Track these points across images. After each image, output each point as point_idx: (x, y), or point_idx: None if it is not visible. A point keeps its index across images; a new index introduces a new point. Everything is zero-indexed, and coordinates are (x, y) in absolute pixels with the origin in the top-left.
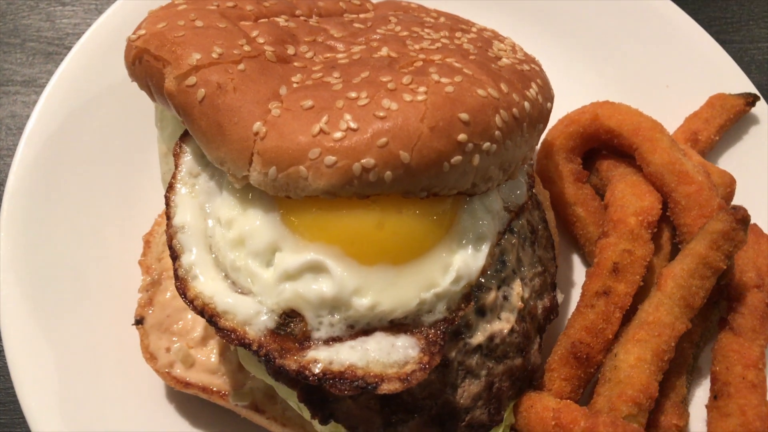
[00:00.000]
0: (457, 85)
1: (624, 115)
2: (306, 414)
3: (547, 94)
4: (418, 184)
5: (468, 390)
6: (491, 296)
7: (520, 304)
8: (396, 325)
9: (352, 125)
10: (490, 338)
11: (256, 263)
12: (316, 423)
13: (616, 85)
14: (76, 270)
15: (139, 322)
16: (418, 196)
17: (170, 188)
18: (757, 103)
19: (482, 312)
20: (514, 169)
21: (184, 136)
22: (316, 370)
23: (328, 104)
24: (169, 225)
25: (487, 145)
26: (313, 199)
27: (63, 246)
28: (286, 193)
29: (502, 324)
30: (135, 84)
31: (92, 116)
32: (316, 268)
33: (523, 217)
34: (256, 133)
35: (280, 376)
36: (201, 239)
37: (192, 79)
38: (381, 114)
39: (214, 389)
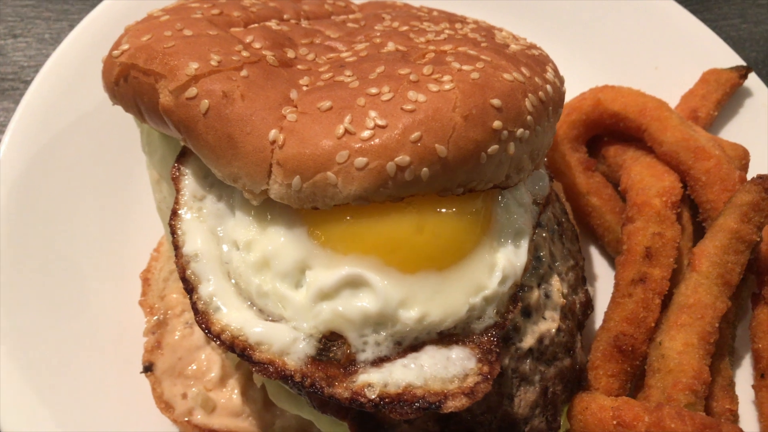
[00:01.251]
0: (482, 71)
1: (627, 97)
2: None
3: (560, 77)
4: (456, 179)
5: (525, 398)
6: (534, 295)
7: (561, 300)
8: (445, 337)
9: (380, 122)
10: (540, 340)
11: (285, 285)
12: None
13: (604, 71)
14: (68, 325)
15: (148, 368)
16: (454, 193)
17: (174, 215)
18: (749, 76)
19: (528, 313)
20: (540, 158)
21: (182, 157)
22: (373, 396)
23: (348, 103)
24: (179, 255)
25: (521, 131)
26: (343, 208)
27: (47, 302)
28: (313, 204)
29: (549, 324)
30: (109, 112)
31: (63, 153)
32: (354, 283)
33: (549, 210)
34: (273, 142)
35: (328, 407)
36: (217, 266)
37: (192, 91)
38: (409, 107)
39: None
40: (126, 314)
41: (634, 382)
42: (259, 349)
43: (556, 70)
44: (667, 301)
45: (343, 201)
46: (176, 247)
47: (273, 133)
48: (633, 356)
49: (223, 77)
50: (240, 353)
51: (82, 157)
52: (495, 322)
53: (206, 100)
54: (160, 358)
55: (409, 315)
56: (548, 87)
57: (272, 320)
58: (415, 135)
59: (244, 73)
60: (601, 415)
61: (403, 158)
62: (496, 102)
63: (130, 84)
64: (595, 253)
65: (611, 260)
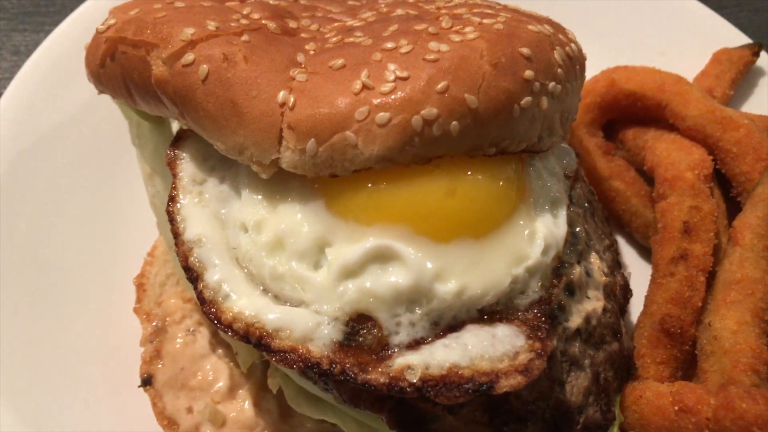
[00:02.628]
0: (505, 23)
1: (643, 75)
2: None
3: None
4: (488, 135)
5: (577, 384)
6: (576, 271)
7: (603, 278)
8: (487, 315)
9: (401, 74)
10: (587, 320)
11: (302, 266)
12: None
13: (610, 59)
14: (55, 337)
15: (147, 381)
16: (486, 153)
17: (171, 201)
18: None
19: (571, 291)
20: (569, 124)
21: (177, 142)
22: (414, 379)
23: (363, 59)
24: (179, 243)
25: (552, 85)
26: (364, 174)
27: (32, 313)
28: (331, 171)
29: (593, 303)
30: (93, 114)
31: (46, 157)
32: (382, 257)
33: (578, 187)
34: (283, 104)
35: (361, 400)
36: (224, 251)
37: (189, 57)
38: (432, 57)
39: None
40: (120, 323)
41: (684, 370)
42: (278, 337)
43: (574, 36)
44: (709, 280)
45: (365, 164)
46: (176, 234)
47: (282, 95)
48: (682, 340)
49: (222, 41)
50: (257, 343)
51: (66, 161)
52: (540, 297)
53: (205, 65)
54: (160, 369)
55: (447, 288)
56: (573, 45)
57: (290, 306)
58: (442, 85)
59: (245, 38)
60: (659, 402)
61: (429, 111)
62: (525, 51)
63: (117, 62)
64: (621, 242)
65: (640, 248)
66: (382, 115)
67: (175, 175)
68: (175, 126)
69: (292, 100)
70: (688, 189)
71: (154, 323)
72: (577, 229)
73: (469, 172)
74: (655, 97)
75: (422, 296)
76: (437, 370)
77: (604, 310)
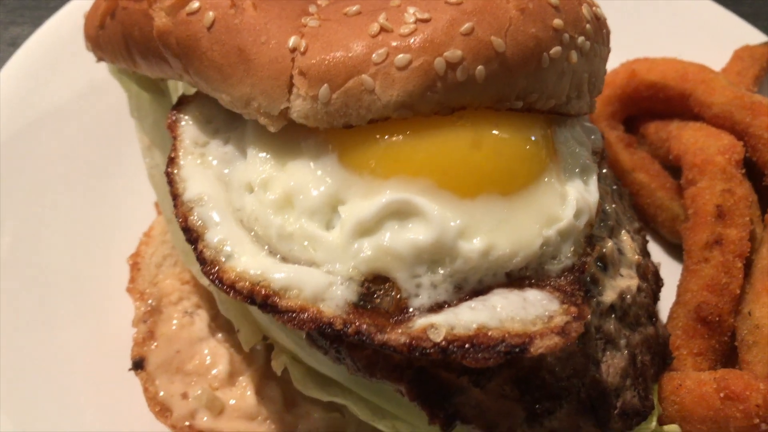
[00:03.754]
0: None
1: (664, 65)
2: (431, 429)
3: None
4: (515, 85)
5: (613, 365)
6: (608, 245)
7: (636, 257)
8: (516, 281)
9: (422, 16)
10: (621, 297)
11: (313, 224)
12: None
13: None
14: (36, 316)
15: (139, 365)
16: (513, 106)
17: (171, 163)
18: None
19: (604, 265)
20: (596, 93)
21: (178, 106)
22: (438, 339)
23: (381, 5)
24: (178, 204)
25: (581, 39)
26: (381, 126)
27: (21, 291)
28: (345, 121)
29: (627, 281)
30: (88, 96)
31: (42, 138)
32: (401, 213)
33: (605, 166)
34: (294, 49)
35: (377, 368)
36: (227, 212)
37: (193, 5)
38: (454, 0)
39: None
40: (111, 304)
41: (723, 363)
42: (286, 296)
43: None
44: (746, 269)
45: (382, 112)
46: (175, 196)
47: (293, 40)
48: (720, 330)
49: None
50: (262, 303)
51: (63, 143)
52: (573, 264)
53: (211, 12)
54: (154, 351)
55: (472, 247)
56: (599, 9)
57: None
58: (467, 26)
59: None
60: (702, 390)
61: (453, 53)
62: (553, 0)
63: (117, 19)
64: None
65: (666, 244)
66: (401, 57)
67: (175, 137)
68: (175, 98)
69: (303, 44)
70: (719, 173)
71: (148, 302)
72: (607, 207)
73: (496, 129)
74: (678, 87)
75: (445, 255)
76: (463, 330)
77: (639, 289)
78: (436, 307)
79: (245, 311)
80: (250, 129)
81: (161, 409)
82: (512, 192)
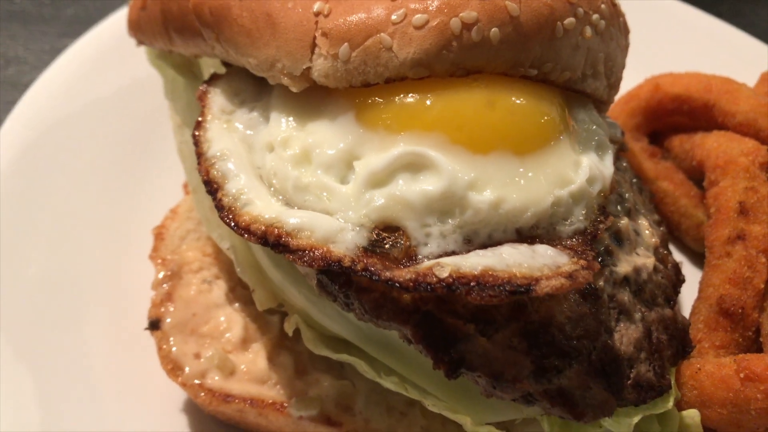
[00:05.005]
0: None
1: (688, 78)
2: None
3: None
4: (530, 51)
5: (627, 334)
6: (624, 222)
7: (654, 240)
8: (526, 238)
9: None
10: (637, 272)
11: (329, 177)
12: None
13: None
14: (65, 277)
15: (155, 325)
16: (527, 74)
17: (198, 126)
18: None
19: (619, 240)
20: (614, 79)
21: (210, 81)
22: (444, 275)
23: None
24: (201, 161)
25: (596, 17)
26: (398, 86)
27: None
28: (363, 78)
29: (643, 260)
30: (125, 95)
31: (82, 122)
32: (413, 165)
33: (624, 160)
34: (318, 13)
35: (384, 309)
36: (248, 167)
37: None
38: None
39: (267, 401)
40: (134, 269)
41: None
42: (298, 236)
43: None
44: None
45: (399, 70)
46: (199, 155)
47: (318, 5)
48: (744, 324)
49: None
50: (275, 243)
51: (103, 130)
52: (585, 228)
53: None
54: (170, 312)
55: (482, 198)
56: None
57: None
58: None
59: None
60: (722, 373)
61: (469, 14)
62: None
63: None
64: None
65: (689, 253)
66: (419, 17)
67: (204, 106)
68: None
69: (327, 8)
70: (742, 172)
71: (169, 267)
72: (625, 193)
73: (510, 92)
74: (702, 98)
75: (455, 205)
76: (469, 269)
77: (655, 269)
78: (444, 256)
79: (261, 274)
80: (274, 97)
81: (173, 368)
82: (525, 152)
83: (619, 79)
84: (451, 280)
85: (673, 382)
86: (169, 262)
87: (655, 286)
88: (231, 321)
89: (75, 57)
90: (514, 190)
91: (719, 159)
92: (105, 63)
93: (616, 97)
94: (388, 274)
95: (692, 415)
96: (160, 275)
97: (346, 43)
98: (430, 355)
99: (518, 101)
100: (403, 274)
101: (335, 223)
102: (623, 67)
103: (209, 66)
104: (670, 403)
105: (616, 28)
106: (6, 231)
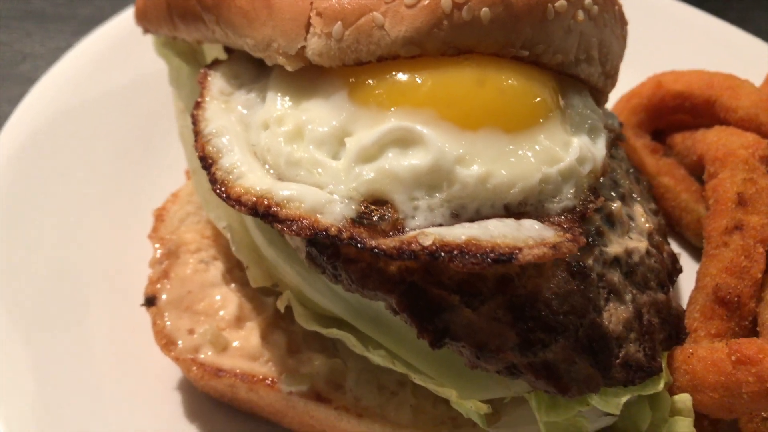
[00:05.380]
0: None
1: (691, 76)
2: (425, 361)
3: None
4: (521, 32)
5: (615, 314)
6: (617, 205)
7: (648, 226)
8: (514, 214)
9: None
10: (628, 254)
11: (321, 152)
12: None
13: None
14: (64, 253)
15: (151, 301)
16: (519, 54)
17: (197, 106)
18: None
19: (611, 222)
20: (610, 68)
21: (210, 66)
22: (427, 242)
23: None
24: (199, 138)
25: (588, 2)
26: (390, 64)
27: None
28: (356, 57)
29: (636, 243)
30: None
31: (92, 114)
32: (402, 141)
33: (621, 150)
34: None
35: (370, 279)
36: (243, 144)
37: None
38: None
39: (258, 376)
40: (133, 249)
41: None
42: (286, 207)
43: None
44: None
45: (391, 48)
46: (196, 133)
47: None
48: (740, 313)
49: None
50: (264, 213)
51: (111, 119)
52: (574, 206)
53: None
54: (166, 289)
55: (470, 172)
56: None
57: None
58: None
59: None
60: (714, 356)
61: None
62: None
63: None
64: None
65: (690, 248)
66: None
67: (204, 87)
68: None
69: None
70: (741, 164)
71: (167, 246)
72: (619, 179)
73: (501, 72)
74: (704, 94)
75: (443, 179)
76: (453, 239)
77: (648, 253)
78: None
79: (256, 252)
80: (272, 78)
81: (167, 342)
82: (514, 130)
83: (616, 69)
84: (434, 248)
85: (664, 365)
86: (167, 241)
87: (648, 269)
88: (226, 300)
89: (83, 52)
90: (502, 165)
91: (719, 152)
92: (113, 58)
93: (619, 94)
94: (373, 242)
95: (684, 399)
96: (158, 254)
97: (339, 22)
98: (414, 325)
99: (508, 80)
100: (388, 242)
101: (324, 196)
102: (620, 57)
103: (212, 54)
104: (661, 386)
105: (611, 15)
106: (15, 210)
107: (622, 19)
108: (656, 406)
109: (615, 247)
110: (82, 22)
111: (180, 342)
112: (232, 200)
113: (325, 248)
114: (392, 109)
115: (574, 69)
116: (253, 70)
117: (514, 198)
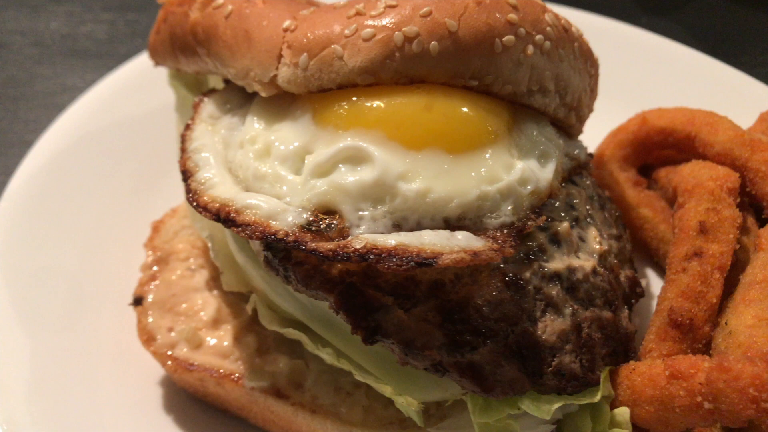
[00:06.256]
0: None
1: (674, 112)
2: (370, 361)
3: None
4: (469, 64)
5: (551, 325)
6: (564, 225)
7: (599, 248)
8: (453, 228)
9: (391, 3)
10: (571, 270)
11: (284, 168)
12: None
13: None
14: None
15: (138, 301)
16: (468, 84)
17: (187, 128)
18: None
19: (556, 241)
20: (572, 101)
21: (205, 93)
22: (358, 245)
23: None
24: (183, 155)
25: (539, 37)
26: (350, 91)
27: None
28: (319, 83)
29: (582, 262)
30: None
31: (105, 138)
32: (353, 158)
33: (587, 179)
34: (286, 29)
35: (312, 280)
36: (221, 161)
37: (219, 1)
38: None
39: (224, 372)
40: (129, 255)
41: None
42: (244, 213)
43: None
44: (731, 288)
45: (349, 76)
46: (183, 150)
47: (287, 23)
48: (693, 335)
49: None
50: (225, 218)
51: (122, 143)
52: (512, 222)
53: (230, 5)
54: (153, 290)
55: (410, 187)
56: (573, 29)
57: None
58: (425, 10)
59: None
60: (651, 371)
61: (411, 29)
62: (511, 0)
63: (168, 23)
64: (652, 275)
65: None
66: (367, 31)
67: (196, 112)
68: None
69: (294, 25)
70: (707, 194)
71: (158, 253)
72: (575, 204)
73: (449, 99)
74: (685, 129)
75: (386, 193)
76: (384, 243)
77: (595, 271)
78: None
79: (230, 259)
80: (253, 104)
81: (148, 338)
82: (457, 151)
83: (581, 102)
84: (365, 250)
85: (604, 378)
86: (159, 249)
87: (593, 287)
88: (207, 303)
89: (108, 85)
90: (442, 182)
91: (688, 183)
92: (132, 90)
93: (607, 131)
94: (313, 245)
95: (622, 412)
96: (150, 260)
97: (305, 53)
98: (349, 322)
99: (455, 106)
100: (326, 245)
101: (281, 205)
102: (586, 91)
103: (218, 86)
104: (597, 397)
105: (568, 51)
106: (28, 219)
107: (586, 55)
108: (596, 418)
109: (557, 263)
110: (120, 58)
111: (159, 337)
112: (200, 207)
113: (278, 252)
114: (348, 130)
115: (527, 99)
116: (241, 98)
117: (452, 212)
